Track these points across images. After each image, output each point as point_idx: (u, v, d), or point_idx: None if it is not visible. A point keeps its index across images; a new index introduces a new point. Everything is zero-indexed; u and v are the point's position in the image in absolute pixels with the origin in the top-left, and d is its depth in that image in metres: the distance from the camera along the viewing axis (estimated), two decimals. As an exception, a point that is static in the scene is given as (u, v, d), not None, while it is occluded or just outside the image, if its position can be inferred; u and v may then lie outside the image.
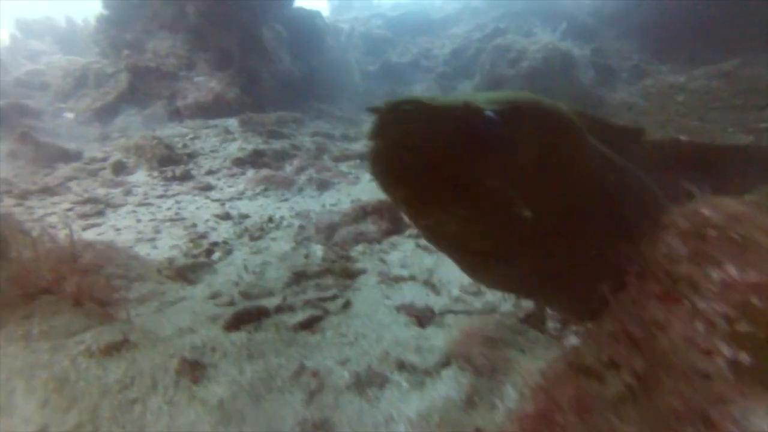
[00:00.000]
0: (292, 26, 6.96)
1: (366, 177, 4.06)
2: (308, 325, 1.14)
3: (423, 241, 1.97)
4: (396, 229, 2.11)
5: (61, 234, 2.30)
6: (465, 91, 6.93)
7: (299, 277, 1.56)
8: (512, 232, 0.87)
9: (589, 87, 6.40)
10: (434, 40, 9.98)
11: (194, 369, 1.03)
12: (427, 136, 0.76)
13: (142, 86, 6.07)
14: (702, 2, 9.41)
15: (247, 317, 1.18)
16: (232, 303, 1.33)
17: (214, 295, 1.41)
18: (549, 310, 1.16)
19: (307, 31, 7.16)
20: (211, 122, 5.69)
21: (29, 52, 10.59)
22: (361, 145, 5.46)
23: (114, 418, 0.91)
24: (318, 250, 1.82)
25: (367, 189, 3.58)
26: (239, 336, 1.13)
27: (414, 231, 2.11)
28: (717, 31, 9.24)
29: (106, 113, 5.87)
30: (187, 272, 1.66)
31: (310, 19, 7.40)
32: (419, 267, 1.68)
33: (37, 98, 7.27)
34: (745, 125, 4.60)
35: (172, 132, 5.46)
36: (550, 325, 1.16)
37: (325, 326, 1.16)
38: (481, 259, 0.97)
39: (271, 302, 1.30)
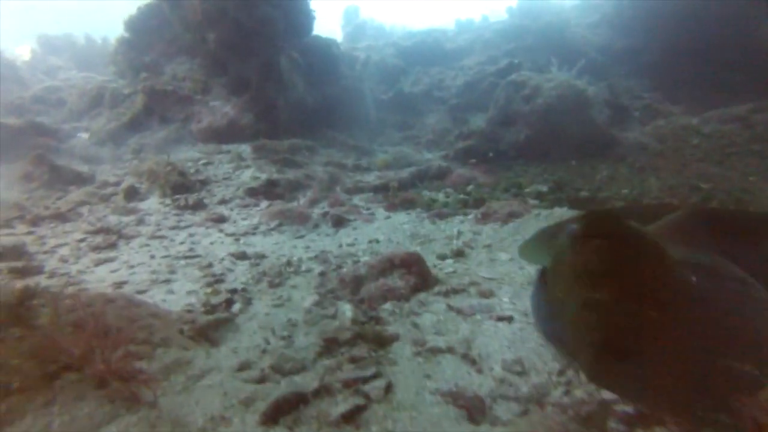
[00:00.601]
0: (308, 54, 7.03)
1: (381, 214, 4.00)
2: (351, 417, 1.04)
3: (454, 302, 1.88)
4: (423, 284, 2.02)
5: (77, 281, 2.23)
6: (478, 124, 6.93)
7: (331, 344, 1.46)
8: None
9: (603, 126, 6.39)
10: (446, 71, 10.08)
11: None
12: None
13: (158, 108, 6.09)
14: (712, 46, 9.53)
15: (285, 406, 1.08)
16: (263, 379, 1.23)
17: (243, 367, 1.31)
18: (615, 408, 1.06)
19: (323, 60, 7.22)
20: (225, 147, 5.67)
21: (48, 67, 10.73)
22: (374, 177, 5.42)
23: None
24: (347, 310, 1.73)
25: (384, 228, 3.51)
26: (279, 434, 1.02)
27: (443, 288, 2.02)
28: (726, 75, 9.33)
29: (120, 134, 5.87)
30: (209, 331, 1.57)
31: (326, 47, 7.48)
32: (455, 335, 1.58)
33: (53, 114, 7.32)
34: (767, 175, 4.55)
35: (186, 156, 5.43)
36: (612, 425, 1.06)
37: (369, 419, 1.05)
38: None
39: (307, 381, 1.19)
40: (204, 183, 4.52)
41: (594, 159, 5.92)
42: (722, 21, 9.12)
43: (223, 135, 5.92)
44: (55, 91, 8.12)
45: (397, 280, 2.01)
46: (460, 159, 6.06)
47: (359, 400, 1.13)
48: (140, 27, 6.73)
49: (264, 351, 1.45)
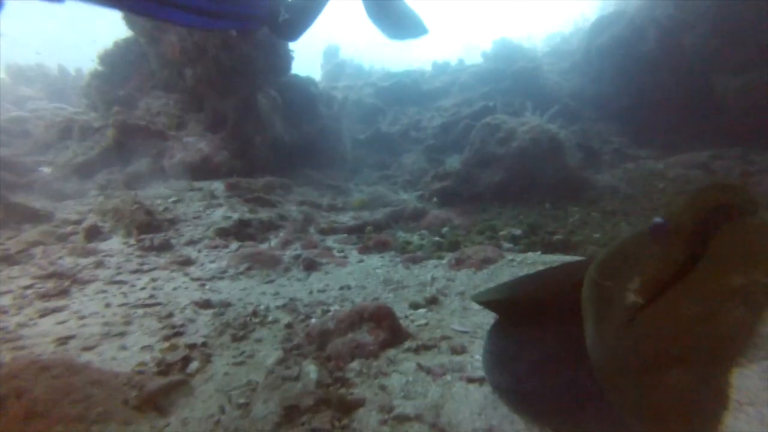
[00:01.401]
0: (287, 93, 7.11)
1: (354, 257, 3.94)
2: None
3: (424, 360, 1.81)
4: (393, 340, 1.95)
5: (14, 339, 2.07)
6: (453, 165, 7.07)
7: (291, 412, 1.37)
8: None
9: (576, 169, 6.60)
10: (423, 111, 10.36)
11: None
12: None
13: (129, 143, 5.98)
14: (676, 95, 10.11)
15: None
16: (212, 458, 1.14)
17: (190, 442, 1.21)
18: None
19: (301, 98, 7.32)
20: (197, 184, 5.57)
21: (17, 97, 10.52)
22: (349, 217, 5.40)
23: None
24: (311, 371, 1.63)
25: (356, 272, 3.44)
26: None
27: (413, 344, 1.95)
28: (690, 122, 9.86)
29: (87, 169, 5.71)
30: (159, 398, 1.46)
31: (304, 86, 7.60)
32: (424, 399, 1.52)
33: (17, 146, 7.09)
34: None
35: (155, 193, 5.30)
36: None
37: None
38: None
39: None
40: (172, 222, 4.39)
41: (567, 202, 6.07)
42: (684, 72, 9.71)
43: (196, 171, 5.83)
44: (21, 122, 7.92)
45: (366, 335, 1.94)
46: (434, 200, 6.12)
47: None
48: (115, 61, 6.71)
49: (217, 422, 1.35)
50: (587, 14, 17.91)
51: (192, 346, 2.00)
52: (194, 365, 1.80)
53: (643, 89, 10.51)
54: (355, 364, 1.78)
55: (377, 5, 3.71)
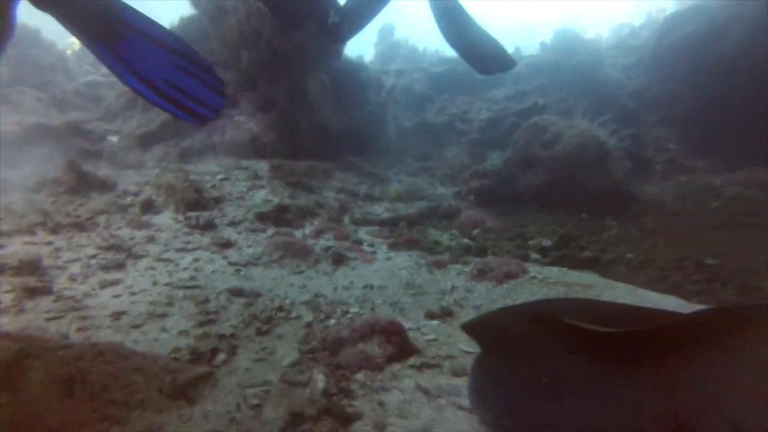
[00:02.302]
0: (337, 78, 7.23)
1: (382, 253, 4.09)
2: None
3: (424, 380, 1.96)
4: (400, 355, 2.10)
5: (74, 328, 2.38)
6: (495, 163, 7.00)
7: (296, 419, 1.56)
8: None
9: (620, 181, 6.36)
10: (473, 101, 10.16)
11: None
12: None
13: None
14: (751, 101, 9.32)
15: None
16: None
17: (210, 435, 1.44)
18: None
19: (351, 84, 7.41)
20: (244, 163, 5.88)
21: (95, 59, 11.25)
22: (383, 209, 5.54)
23: None
24: (320, 380, 1.82)
25: (382, 271, 3.60)
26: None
27: (418, 361, 2.10)
28: (763, 134, 9.11)
29: (147, 140, 6.15)
30: (188, 388, 1.69)
31: (355, 72, 7.68)
32: (417, 420, 1.66)
33: (92, 110, 7.70)
34: (779, 256, 4.46)
35: (205, 168, 5.66)
36: None
37: None
38: None
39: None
40: (218, 201, 4.71)
41: (607, 214, 5.89)
42: (766, 77, 8.91)
43: (244, 150, 6.13)
44: (95, 87, 8.53)
45: (375, 348, 2.09)
46: (472, 197, 6.12)
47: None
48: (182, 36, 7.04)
49: (232, 419, 1.56)
50: (663, 5, 16.60)
51: (221, 337, 2.25)
52: (221, 357, 2.03)
53: (715, 92, 9.76)
54: (360, 375, 1.94)
55: (457, 31, 3.71)
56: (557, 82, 11.17)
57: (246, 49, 6.08)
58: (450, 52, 14.24)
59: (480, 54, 3.73)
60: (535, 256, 4.32)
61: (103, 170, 5.38)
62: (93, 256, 3.21)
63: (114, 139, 6.22)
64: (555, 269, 3.84)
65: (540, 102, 8.21)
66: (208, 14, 6.32)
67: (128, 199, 4.56)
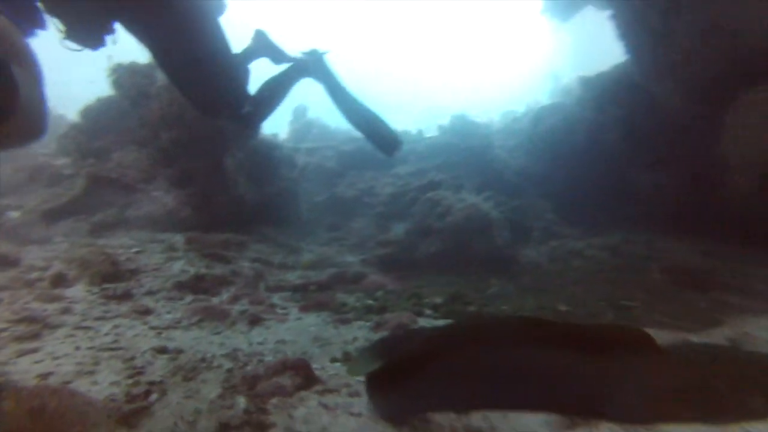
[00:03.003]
0: (252, 156, 8.00)
1: (294, 314, 4.68)
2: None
3: (325, 400, 2.58)
4: (306, 384, 2.71)
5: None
6: (398, 234, 8.05)
7: (224, 428, 2.10)
8: None
9: (502, 246, 7.70)
10: (379, 177, 11.45)
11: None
12: None
13: (99, 193, 6.60)
14: (600, 181, 11.69)
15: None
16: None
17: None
18: None
19: (266, 162, 8.21)
20: (159, 236, 6.21)
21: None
22: (296, 276, 6.15)
23: None
24: (241, 402, 2.37)
25: (293, 329, 4.18)
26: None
27: (321, 388, 2.72)
28: (611, 208, 11.39)
29: (53, 215, 6.25)
30: (130, 417, 2.14)
31: (270, 150, 8.53)
32: (317, 424, 2.27)
33: (-19, 184, 7.50)
34: (612, 302, 5.84)
35: (119, 242, 5.90)
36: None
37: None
38: None
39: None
40: (133, 273, 5.01)
41: (492, 275, 7.08)
42: (606, 165, 11.33)
43: (159, 224, 6.48)
44: (-12, 160, 8.33)
45: (287, 380, 2.69)
46: (377, 264, 6.99)
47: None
48: (95, 116, 7.44)
49: (174, 430, 2.06)
50: (539, 99, 20.31)
51: (151, 383, 2.68)
52: (154, 396, 2.48)
53: (574, 175, 12.14)
54: (275, 400, 2.51)
55: (358, 116, 4.70)
56: (453, 161, 13.03)
57: (166, 131, 6.67)
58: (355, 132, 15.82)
59: (377, 132, 4.76)
60: (427, 311, 5.18)
61: (2, 247, 5.40)
62: (2, 330, 3.41)
63: (14, 214, 6.21)
64: (441, 321, 4.71)
65: (436, 179, 9.63)
66: (130, 97, 6.88)
67: (35, 275, 4.69)
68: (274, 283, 5.69)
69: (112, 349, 3.22)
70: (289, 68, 4.82)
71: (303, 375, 2.75)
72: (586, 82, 10.77)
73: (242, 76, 4.42)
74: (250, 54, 4.65)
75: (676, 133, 8.49)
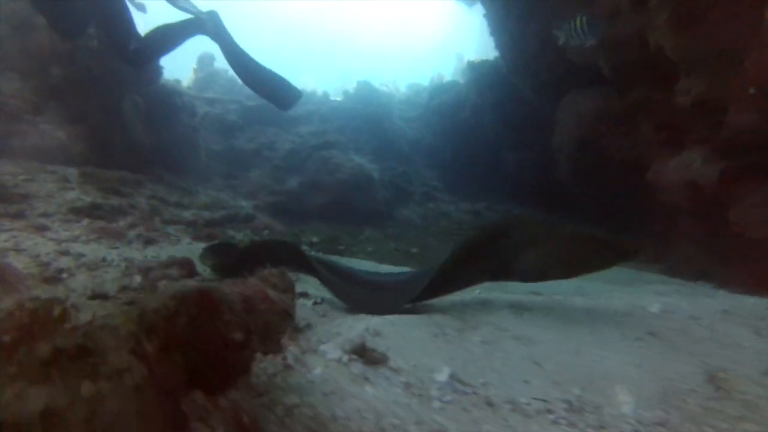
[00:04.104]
0: (152, 101, 8.32)
1: (185, 241, 5.53)
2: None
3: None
4: (189, 275, 3.70)
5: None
6: (292, 186, 9.02)
7: (124, 289, 3.03)
8: None
9: (382, 203, 9.07)
10: (282, 134, 12.18)
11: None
12: None
13: (-22, 120, 6.59)
14: (479, 156, 13.56)
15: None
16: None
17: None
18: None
19: (165, 107, 8.58)
20: (50, 168, 6.49)
21: None
22: (190, 214, 6.90)
23: None
24: (137, 279, 3.30)
25: (183, 250, 5.06)
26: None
27: (200, 277, 3.73)
28: (488, 180, 13.36)
29: (-71, 137, 6.19)
30: (49, 281, 2.98)
31: (170, 96, 8.87)
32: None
33: None
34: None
35: (5, 169, 6.12)
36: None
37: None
38: None
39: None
40: (24, 197, 5.42)
41: (369, 225, 8.43)
42: (484, 143, 13.20)
43: (50, 157, 6.71)
44: None
45: (174, 271, 3.65)
46: (268, 210, 7.95)
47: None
48: (-27, 37, 7.19)
49: (86, 287, 2.95)
50: (443, 73, 21.95)
51: (60, 270, 3.48)
52: (64, 275, 3.31)
53: (459, 149, 13.96)
54: (164, 281, 3.48)
55: (248, 73, 5.43)
56: (353, 125, 14.10)
57: (58, 66, 6.79)
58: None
59: (271, 89, 5.63)
60: (304, 247, 6.33)
61: None
62: None
63: None
64: (313, 253, 5.89)
65: (331, 139, 10.67)
66: (10, 24, 6.81)
67: None
68: (170, 217, 6.41)
69: (15, 250, 3.88)
70: (186, 20, 5.45)
71: (187, 269, 3.73)
72: (472, 67, 12.36)
73: (120, 4, 4.81)
74: None
75: (533, 120, 10.42)
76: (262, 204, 8.11)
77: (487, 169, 13.51)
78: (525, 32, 7.75)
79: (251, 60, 5.48)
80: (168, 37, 5.16)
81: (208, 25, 5.25)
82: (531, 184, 11.42)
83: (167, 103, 8.62)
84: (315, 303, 2.98)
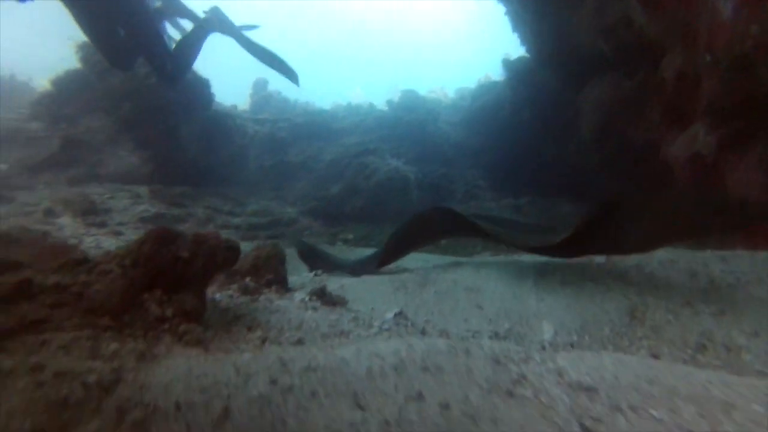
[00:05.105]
0: (207, 124, 9.45)
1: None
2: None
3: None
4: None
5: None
6: (333, 192, 9.72)
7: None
8: None
9: (417, 202, 9.48)
10: (326, 147, 13.04)
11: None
12: None
13: (71, 153, 7.98)
14: (521, 155, 13.53)
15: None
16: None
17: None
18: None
19: (219, 129, 9.69)
20: (126, 187, 7.69)
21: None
22: (240, 220, 7.78)
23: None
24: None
25: (229, 248, 5.85)
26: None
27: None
28: (530, 175, 13.28)
29: (35, 169, 7.63)
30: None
31: (222, 119, 10.00)
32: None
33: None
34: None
35: (92, 191, 7.37)
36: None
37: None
38: None
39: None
40: (107, 211, 6.54)
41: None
42: (524, 139, 13.18)
43: (125, 179, 7.94)
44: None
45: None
46: (311, 214, 8.68)
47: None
48: (64, 85, 8.72)
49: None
50: (491, 74, 21.98)
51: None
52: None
53: (501, 147, 14.02)
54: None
55: (259, 52, 6.23)
56: (397, 133, 14.68)
57: (127, 101, 8.05)
58: (315, 105, 17.25)
59: (281, 65, 6.35)
60: (339, 243, 6.93)
61: (-3, 191, 6.80)
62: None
63: (3, 166, 7.56)
64: (344, 246, 6.47)
65: (371, 147, 11.29)
66: (96, 71, 8.19)
67: (29, 209, 6.17)
68: (222, 223, 7.32)
69: (96, 248, 4.82)
70: (195, 27, 6.29)
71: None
72: (506, 65, 12.48)
73: (156, 32, 5.70)
74: (161, 13, 6.05)
75: (565, 112, 10.36)
76: (306, 209, 8.87)
77: (529, 165, 13.43)
78: (542, 25, 7.92)
79: (257, 44, 6.17)
80: (190, 48, 5.97)
81: (214, 22, 6.00)
82: (570, 175, 11.27)
83: (220, 126, 9.72)
84: (315, 275, 3.52)
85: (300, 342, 1.66)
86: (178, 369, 1.04)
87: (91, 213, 6.18)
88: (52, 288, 1.41)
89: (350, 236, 7.31)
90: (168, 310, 1.57)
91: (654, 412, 1.01)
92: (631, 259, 2.76)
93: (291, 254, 5.00)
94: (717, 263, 2.54)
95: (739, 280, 2.35)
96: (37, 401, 0.77)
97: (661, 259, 2.72)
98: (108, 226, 5.97)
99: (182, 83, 6.41)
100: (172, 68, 5.53)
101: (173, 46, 5.98)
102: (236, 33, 6.11)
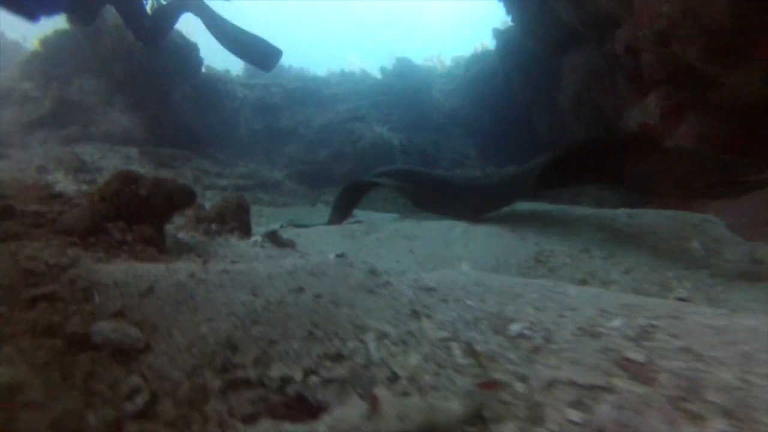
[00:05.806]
0: (198, 87, 9.64)
1: (216, 200, 6.68)
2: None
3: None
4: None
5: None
6: (322, 157, 10.01)
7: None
8: None
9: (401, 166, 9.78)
10: (318, 112, 13.21)
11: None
12: None
13: (63, 112, 8.22)
14: (513, 124, 13.70)
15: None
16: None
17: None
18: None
19: (210, 93, 9.88)
20: (117, 148, 7.98)
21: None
22: (227, 182, 8.11)
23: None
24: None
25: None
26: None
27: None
28: (521, 145, 13.50)
29: (28, 128, 7.89)
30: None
31: (213, 83, 10.17)
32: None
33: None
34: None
35: (84, 150, 7.67)
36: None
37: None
38: None
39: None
40: (98, 170, 6.86)
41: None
42: (516, 108, 13.33)
43: (117, 140, 8.22)
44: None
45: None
46: (298, 178, 9.01)
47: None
48: (54, 46, 8.86)
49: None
50: (487, 43, 21.77)
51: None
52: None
53: (494, 116, 14.18)
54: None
55: (229, 40, 6.35)
56: (389, 100, 14.79)
57: (119, 63, 8.22)
58: (309, 71, 17.27)
59: (251, 52, 6.42)
60: (320, 204, 7.29)
61: (-8, 149, 7.10)
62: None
63: (-4, 124, 7.83)
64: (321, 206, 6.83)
65: (359, 113, 11.50)
66: (84, 32, 8.32)
67: (22, 165, 6.49)
68: (209, 184, 7.66)
69: (86, 204, 5.17)
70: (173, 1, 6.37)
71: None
72: (497, 34, 12.49)
73: None
74: None
75: (552, 81, 10.50)
76: (293, 173, 9.19)
77: (521, 134, 13.64)
78: (526, -3, 8.00)
79: (233, 27, 6.19)
80: (167, 16, 6.07)
81: (191, 2, 6.09)
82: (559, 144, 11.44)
83: (211, 90, 9.91)
84: (296, 226, 3.90)
85: (234, 263, 2.04)
86: (122, 266, 1.41)
87: (82, 171, 6.50)
88: (32, 214, 1.76)
89: (331, 198, 7.65)
90: (128, 236, 1.92)
91: (469, 302, 1.39)
92: (551, 210, 3.12)
93: (270, 212, 5.37)
94: (623, 218, 2.90)
95: (635, 232, 2.71)
96: (11, 269, 1.13)
97: (578, 213, 3.08)
98: (97, 183, 6.30)
99: (165, 47, 6.55)
100: (150, 30, 5.63)
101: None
102: (209, 19, 6.04)
